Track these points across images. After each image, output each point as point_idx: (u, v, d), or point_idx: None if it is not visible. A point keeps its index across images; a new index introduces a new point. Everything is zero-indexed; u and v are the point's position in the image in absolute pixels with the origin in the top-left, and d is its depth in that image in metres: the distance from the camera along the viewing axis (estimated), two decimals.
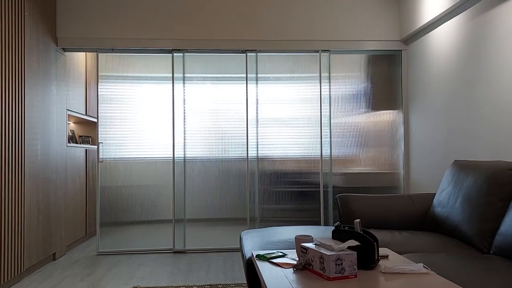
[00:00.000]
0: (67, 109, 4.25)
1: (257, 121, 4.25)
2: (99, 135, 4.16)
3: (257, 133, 4.25)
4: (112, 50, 4.17)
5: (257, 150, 4.24)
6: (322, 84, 4.30)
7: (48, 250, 3.75)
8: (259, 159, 4.25)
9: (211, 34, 4.16)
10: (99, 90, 4.16)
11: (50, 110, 3.84)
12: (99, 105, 4.16)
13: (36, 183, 3.53)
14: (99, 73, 4.17)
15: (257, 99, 4.26)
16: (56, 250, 3.92)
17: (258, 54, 4.27)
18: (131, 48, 4.12)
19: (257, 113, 4.26)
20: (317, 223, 4.29)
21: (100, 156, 4.16)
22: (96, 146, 4.93)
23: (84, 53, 4.81)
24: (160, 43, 4.13)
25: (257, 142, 4.25)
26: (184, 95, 4.22)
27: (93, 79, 5.06)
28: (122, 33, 4.10)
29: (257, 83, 4.26)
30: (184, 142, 4.21)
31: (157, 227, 4.23)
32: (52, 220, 3.85)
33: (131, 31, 4.11)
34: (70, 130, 4.89)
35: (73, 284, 3.16)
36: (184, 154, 4.21)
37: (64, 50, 4.16)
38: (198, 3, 4.17)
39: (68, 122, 4.35)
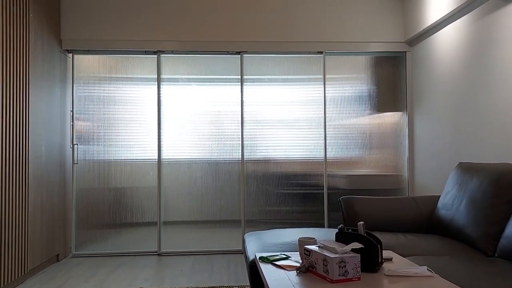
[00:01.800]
0: (71, 111, 4.26)
1: (242, 123, 4.25)
2: (74, 137, 4.15)
3: (242, 135, 4.24)
4: (113, 52, 4.18)
5: (242, 152, 4.24)
6: (325, 86, 4.29)
7: (52, 251, 3.76)
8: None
9: (208, 36, 4.16)
10: (74, 91, 4.16)
11: (54, 111, 3.86)
12: (74, 106, 4.16)
13: (40, 184, 3.54)
14: (74, 74, 4.17)
15: (242, 101, 4.25)
16: (59, 251, 3.93)
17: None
18: (132, 50, 4.14)
19: (242, 114, 4.25)
20: (320, 225, 4.27)
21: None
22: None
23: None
24: (160, 45, 4.14)
25: (242, 143, 4.24)
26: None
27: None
28: (122, 35, 4.12)
29: (242, 85, 4.25)
30: (160, 144, 4.22)
31: (141, 230, 4.19)
32: (56, 221, 3.86)
33: (133, 33, 4.12)
34: None
35: (76, 285, 3.16)
36: (161, 156, 4.21)
37: (68, 51, 4.18)
38: (198, 5, 4.17)
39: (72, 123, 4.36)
